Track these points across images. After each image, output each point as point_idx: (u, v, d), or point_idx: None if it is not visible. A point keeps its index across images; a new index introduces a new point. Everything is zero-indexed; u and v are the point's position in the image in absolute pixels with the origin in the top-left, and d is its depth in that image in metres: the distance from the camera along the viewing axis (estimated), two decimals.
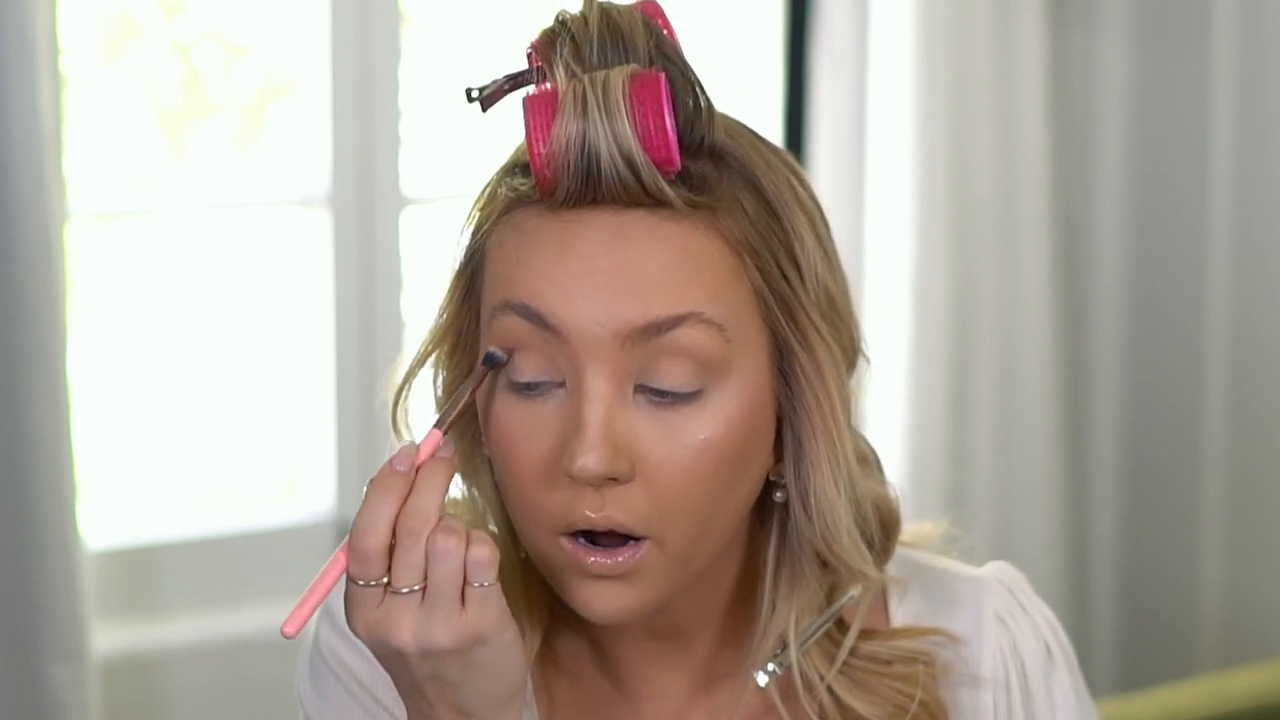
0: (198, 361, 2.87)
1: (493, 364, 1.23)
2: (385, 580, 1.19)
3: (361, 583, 1.19)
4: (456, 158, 2.96)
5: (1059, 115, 3.20)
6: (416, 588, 1.18)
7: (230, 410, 2.91)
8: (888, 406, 3.06)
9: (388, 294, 2.87)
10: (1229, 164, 3.16)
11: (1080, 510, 3.34)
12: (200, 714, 2.78)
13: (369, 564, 1.18)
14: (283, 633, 1.18)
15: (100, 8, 2.75)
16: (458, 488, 1.35)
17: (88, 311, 2.73)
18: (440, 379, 1.31)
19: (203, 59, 2.85)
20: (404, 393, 1.31)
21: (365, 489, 1.21)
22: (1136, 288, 3.32)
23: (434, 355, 1.31)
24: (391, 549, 1.18)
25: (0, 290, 2.43)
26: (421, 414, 1.32)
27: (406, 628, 1.18)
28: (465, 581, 1.18)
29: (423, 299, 2.90)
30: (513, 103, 1.25)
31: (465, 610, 1.18)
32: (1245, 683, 2.71)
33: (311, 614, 1.19)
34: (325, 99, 2.81)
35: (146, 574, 2.77)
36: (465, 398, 1.23)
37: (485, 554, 1.17)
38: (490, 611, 1.18)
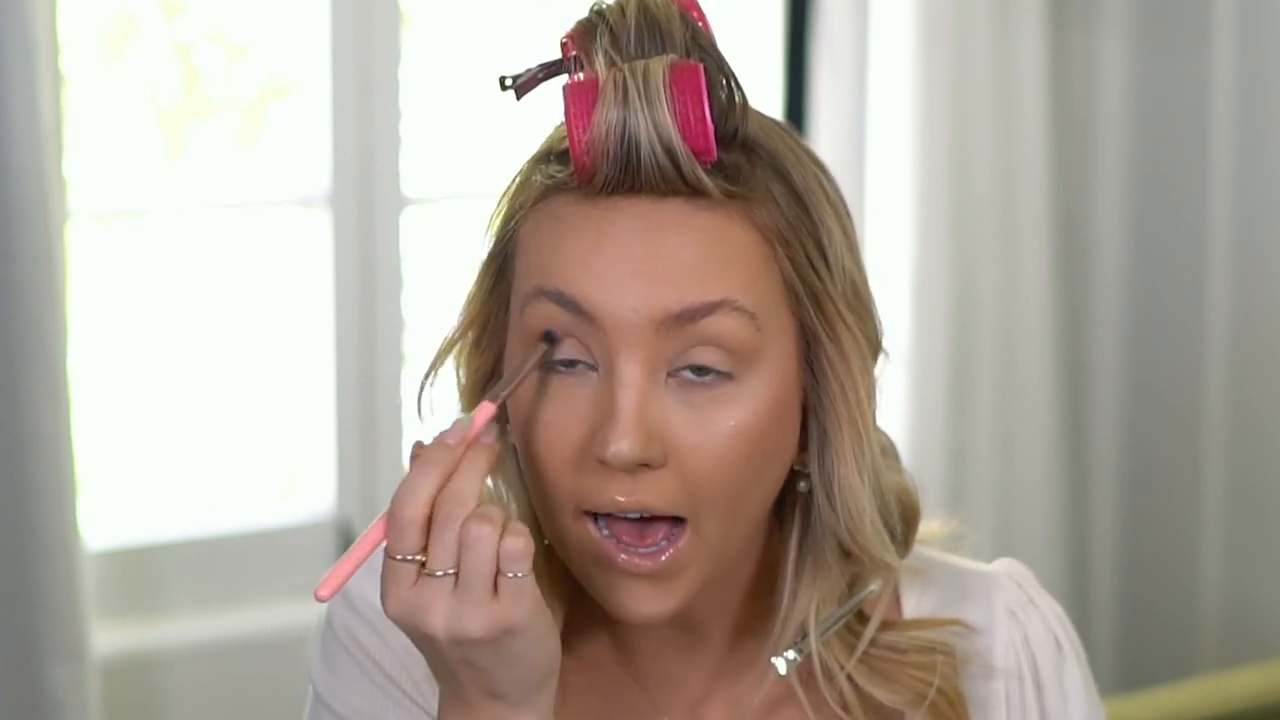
0: (197, 361, 2.87)
1: (552, 341, 1.23)
2: (420, 558, 1.18)
3: (399, 557, 1.18)
4: (456, 158, 2.96)
5: (1059, 115, 3.21)
6: (450, 571, 1.17)
7: (230, 410, 2.91)
8: (888, 406, 3.05)
9: (388, 294, 2.87)
10: (1229, 164, 3.17)
11: (1080, 510, 3.34)
12: (200, 714, 2.78)
13: (405, 535, 1.18)
14: (317, 596, 1.18)
15: (100, 7, 2.75)
16: None
17: (88, 311, 2.73)
18: (462, 370, 1.32)
19: (203, 59, 2.85)
20: (429, 381, 1.32)
21: (410, 460, 1.20)
22: (1136, 288, 3.32)
23: (460, 343, 1.31)
24: (429, 526, 1.18)
25: (0, 290, 2.43)
26: (444, 407, 1.32)
27: (438, 613, 1.18)
28: (499, 571, 1.18)
29: (423, 299, 2.90)
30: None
31: (498, 600, 1.17)
32: (1245, 683, 2.71)
33: (347, 579, 1.18)
34: (325, 99, 2.81)
35: (146, 574, 2.77)
36: (525, 373, 1.23)
37: (519, 545, 1.17)
38: (523, 603, 1.18)
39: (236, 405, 2.91)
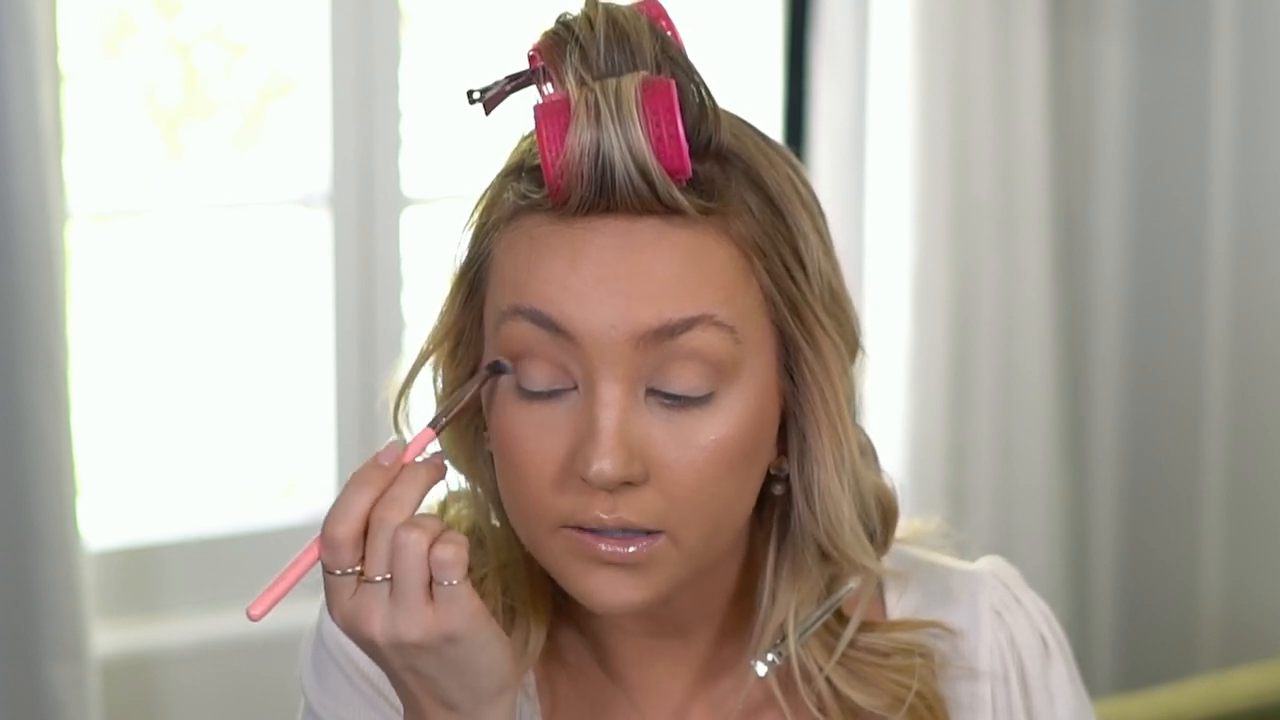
0: (198, 361, 2.88)
1: (496, 372, 1.23)
2: (359, 570, 1.19)
3: (338, 571, 1.20)
4: (456, 158, 2.96)
5: (1059, 115, 3.20)
6: (386, 577, 1.19)
7: (230, 410, 2.91)
8: (888, 405, 3.06)
9: (388, 294, 2.87)
10: (1229, 164, 3.16)
11: (1080, 510, 3.34)
12: (200, 714, 2.78)
13: (338, 552, 1.19)
14: (249, 615, 1.19)
15: (99, 6, 2.75)
16: (459, 481, 1.35)
17: (88, 311, 2.73)
18: (440, 380, 1.31)
19: (202, 58, 2.85)
20: (405, 395, 1.31)
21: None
22: (1136, 288, 3.32)
23: (434, 357, 1.31)
24: (364, 539, 1.19)
25: (0, 290, 2.43)
26: (423, 415, 1.32)
27: (376, 618, 1.19)
28: (433, 579, 1.18)
29: (423, 299, 2.90)
30: (513, 103, 1.25)
31: (434, 607, 1.18)
32: (1245, 683, 2.71)
33: (280, 599, 1.19)
34: (325, 99, 2.81)
35: (146, 574, 2.77)
36: (464, 401, 1.23)
37: (449, 554, 1.18)
38: (458, 611, 1.18)
39: (236, 405, 2.91)
